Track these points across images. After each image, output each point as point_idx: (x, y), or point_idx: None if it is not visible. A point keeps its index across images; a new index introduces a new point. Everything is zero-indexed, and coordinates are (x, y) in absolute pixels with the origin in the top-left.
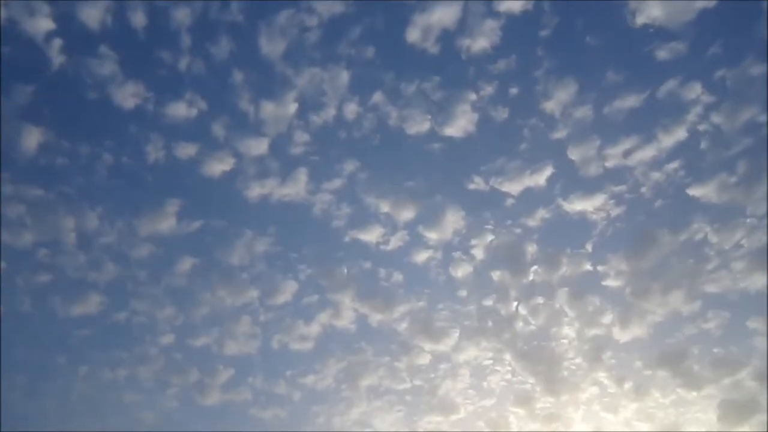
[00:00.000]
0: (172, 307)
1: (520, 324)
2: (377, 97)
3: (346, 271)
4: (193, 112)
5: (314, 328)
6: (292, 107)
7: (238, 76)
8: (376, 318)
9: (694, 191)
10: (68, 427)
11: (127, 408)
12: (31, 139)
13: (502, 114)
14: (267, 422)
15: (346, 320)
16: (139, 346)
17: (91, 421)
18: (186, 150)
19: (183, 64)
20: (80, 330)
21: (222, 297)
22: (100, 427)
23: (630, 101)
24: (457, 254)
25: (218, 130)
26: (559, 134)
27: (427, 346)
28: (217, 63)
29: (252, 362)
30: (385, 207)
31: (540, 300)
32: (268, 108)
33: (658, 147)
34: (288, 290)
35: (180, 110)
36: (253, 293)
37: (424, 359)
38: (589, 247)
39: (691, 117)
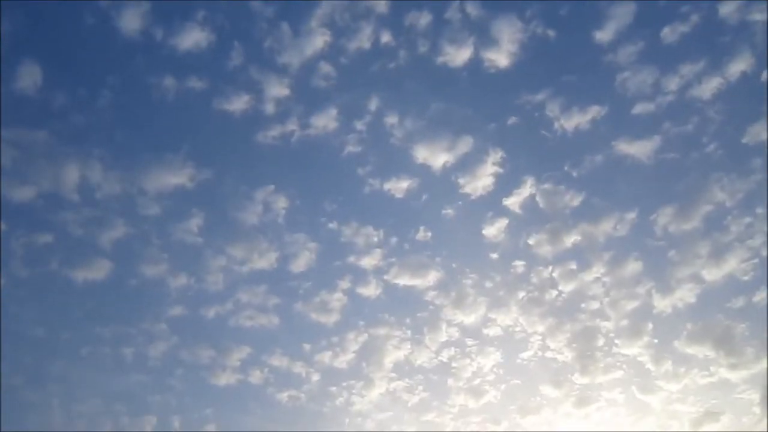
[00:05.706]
0: (183, 274)
1: (554, 293)
2: (413, 18)
3: (371, 229)
4: (212, 39)
5: (336, 297)
6: (319, 34)
7: None
8: (401, 285)
9: (754, 134)
10: (69, 416)
11: (132, 391)
12: (24, 73)
13: (549, 39)
14: (283, 405)
15: (370, 288)
16: (146, 321)
17: (93, 408)
18: (198, 84)
19: None
20: (84, 301)
21: (237, 261)
22: (103, 413)
23: (691, 21)
24: (491, 211)
25: (235, 59)
26: (611, 62)
27: (455, 317)
28: None
29: (268, 337)
30: (416, 150)
31: (577, 265)
32: (289, 36)
33: (720, 79)
34: (311, 252)
35: (191, 38)
36: (272, 258)
37: (452, 333)
38: (637, 201)
39: (756, 41)
